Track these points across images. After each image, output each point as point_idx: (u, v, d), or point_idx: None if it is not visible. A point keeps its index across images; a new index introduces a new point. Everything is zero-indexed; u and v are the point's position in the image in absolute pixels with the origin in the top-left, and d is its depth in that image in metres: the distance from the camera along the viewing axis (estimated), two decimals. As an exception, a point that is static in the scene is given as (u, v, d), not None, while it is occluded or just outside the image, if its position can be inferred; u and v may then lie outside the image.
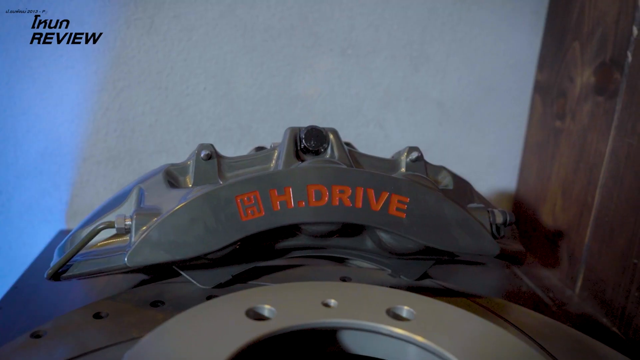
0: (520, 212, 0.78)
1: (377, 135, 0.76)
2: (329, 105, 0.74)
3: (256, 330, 0.34)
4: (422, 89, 0.75)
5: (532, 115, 0.76)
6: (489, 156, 0.79)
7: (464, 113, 0.77)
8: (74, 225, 0.73)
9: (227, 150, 0.75)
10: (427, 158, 0.70)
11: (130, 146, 0.72)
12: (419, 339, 0.34)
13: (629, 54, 0.56)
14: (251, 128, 0.74)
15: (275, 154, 0.49)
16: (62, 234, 0.72)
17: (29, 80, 0.68)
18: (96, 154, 0.72)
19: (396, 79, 0.75)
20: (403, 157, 0.52)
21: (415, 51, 0.74)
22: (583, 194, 0.63)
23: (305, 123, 0.73)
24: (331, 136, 0.50)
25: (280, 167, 0.47)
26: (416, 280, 0.53)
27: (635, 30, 0.55)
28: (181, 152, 0.73)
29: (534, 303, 0.61)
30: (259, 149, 0.54)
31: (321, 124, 0.73)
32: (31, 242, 0.73)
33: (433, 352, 0.33)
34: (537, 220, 0.73)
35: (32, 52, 0.67)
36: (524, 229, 0.77)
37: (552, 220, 0.69)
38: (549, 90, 0.72)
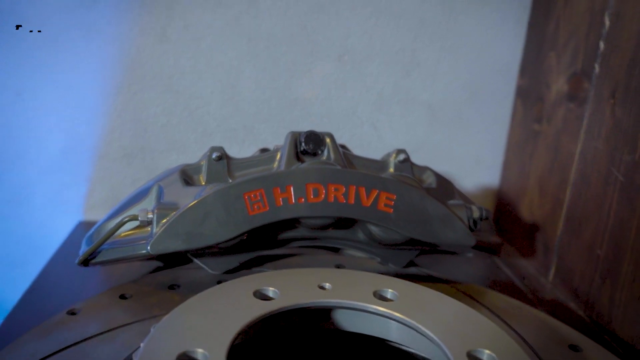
0: (503, 206, 0.84)
1: (370, 135, 0.82)
2: (326, 108, 0.80)
3: (263, 309, 0.40)
4: (413, 93, 0.81)
5: (514, 117, 0.82)
6: (474, 155, 0.85)
7: (452, 115, 0.82)
8: (91, 217, 0.79)
9: (232, 148, 0.80)
10: (417, 157, 0.76)
11: (143, 145, 0.78)
12: (400, 316, 0.40)
13: (597, 66, 0.61)
14: (254, 128, 0.80)
15: (278, 156, 0.55)
16: (81, 225, 0.78)
17: (52, 84, 0.73)
18: (112, 151, 0.77)
19: (389, 84, 0.80)
20: (392, 159, 0.57)
21: (406, 57, 0.79)
22: (556, 191, 0.69)
23: (303, 124, 0.79)
24: (328, 140, 0.56)
25: (283, 168, 0.53)
26: (403, 267, 0.59)
27: (602, 45, 0.61)
28: (190, 151, 0.79)
29: (511, 290, 0.67)
30: (264, 150, 0.59)
31: (318, 125, 0.80)
32: (52, 232, 0.79)
33: (411, 327, 0.40)
34: (516, 214, 0.79)
35: (55, 58, 0.72)
36: (506, 222, 0.83)
37: (529, 215, 0.75)
38: (528, 95, 0.77)
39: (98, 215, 0.78)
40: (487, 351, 0.36)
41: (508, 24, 0.79)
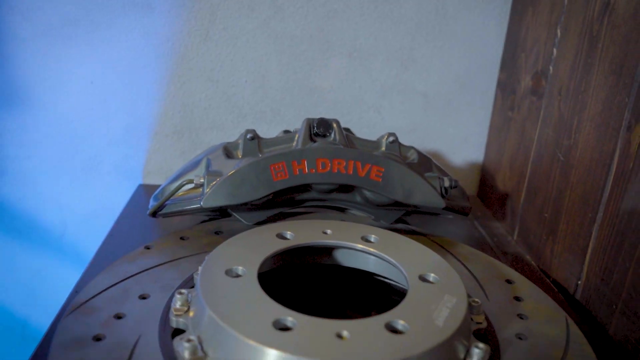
0: (485, 179, 0.99)
1: (375, 119, 0.96)
2: (338, 95, 0.94)
3: (282, 245, 0.56)
4: (410, 84, 0.95)
5: (495, 106, 0.96)
6: (463, 136, 0.99)
7: (444, 103, 0.97)
8: (149, 182, 0.96)
9: (261, 127, 0.96)
10: (413, 138, 0.91)
11: (190, 124, 0.94)
12: (376, 251, 0.56)
13: (551, 68, 0.75)
14: (280, 111, 0.95)
15: (296, 137, 0.70)
16: (140, 187, 0.95)
17: (118, 74, 0.88)
18: (165, 129, 0.93)
19: (390, 76, 0.94)
20: (384, 140, 0.72)
21: (405, 55, 0.93)
22: (521, 168, 0.83)
23: (320, 109, 0.95)
24: (334, 125, 0.70)
25: (299, 146, 0.68)
26: (392, 224, 0.75)
27: (554, 51, 0.75)
28: (227, 129, 0.94)
29: (481, 245, 0.82)
30: (286, 132, 0.75)
31: (332, 110, 0.95)
32: (117, 193, 0.95)
33: (382, 259, 0.56)
34: (494, 186, 0.94)
35: (120, 54, 0.88)
36: (486, 192, 0.97)
37: (503, 186, 0.90)
38: (506, 87, 0.91)
39: (154, 180, 0.95)
40: (432, 274, 0.51)
41: (491, 28, 0.92)
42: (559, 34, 0.73)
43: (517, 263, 0.77)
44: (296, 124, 0.87)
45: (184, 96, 0.92)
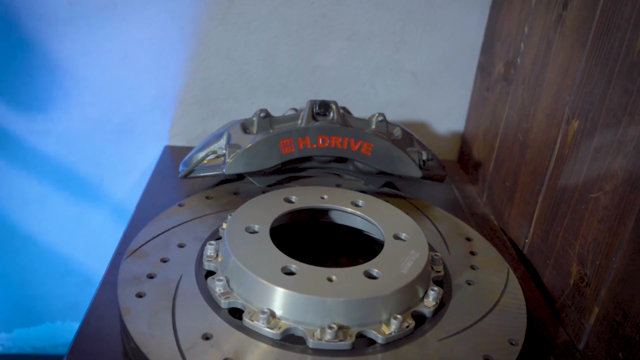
0: (464, 149, 1.11)
1: (369, 93, 1.07)
2: (338, 73, 1.05)
3: (289, 207, 0.69)
4: (401, 64, 1.05)
5: (474, 85, 1.06)
6: (446, 109, 1.10)
7: (430, 80, 1.07)
8: (174, 143, 1.08)
9: (270, 99, 1.07)
10: (403, 110, 1.03)
11: (209, 95, 1.05)
12: (362, 214, 0.69)
13: (519, 59, 0.86)
14: (287, 85, 1.06)
15: (301, 115, 0.82)
16: (166, 148, 1.06)
17: (148, 50, 0.99)
18: (187, 99, 1.04)
19: (384, 56, 1.04)
20: (374, 118, 0.83)
21: (397, 38, 1.04)
22: (491, 142, 0.95)
23: (322, 86, 1.06)
24: (333, 106, 0.82)
25: (303, 124, 0.79)
26: (379, 187, 0.88)
27: (522, 45, 0.85)
28: (242, 100, 1.05)
29: (454, 205, 0.95)
30: (293, 109, 0.87)
31: (332, 86, 1.06)
32: (146, 153, 1.07)
33: (367, 220, 0.69)
34: (471, 154, 1.06)
35: (150, 34, 0.98)
36: (465, 160, 1.10)
37: (477, 155, 1.03)
38: (484, 70, 1.02)
39: (178, 142, 1.07)
40: (404, 234, 0.65)
41: (474, 16, 1.02)
42: (526, 30, 0.84)
43: (482, 223, 0.90)
44: (301, 97, 0.99)
45: (204, 71, 1.03)
